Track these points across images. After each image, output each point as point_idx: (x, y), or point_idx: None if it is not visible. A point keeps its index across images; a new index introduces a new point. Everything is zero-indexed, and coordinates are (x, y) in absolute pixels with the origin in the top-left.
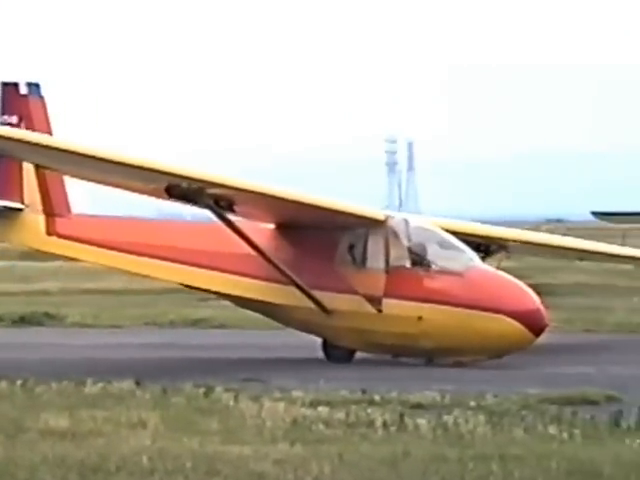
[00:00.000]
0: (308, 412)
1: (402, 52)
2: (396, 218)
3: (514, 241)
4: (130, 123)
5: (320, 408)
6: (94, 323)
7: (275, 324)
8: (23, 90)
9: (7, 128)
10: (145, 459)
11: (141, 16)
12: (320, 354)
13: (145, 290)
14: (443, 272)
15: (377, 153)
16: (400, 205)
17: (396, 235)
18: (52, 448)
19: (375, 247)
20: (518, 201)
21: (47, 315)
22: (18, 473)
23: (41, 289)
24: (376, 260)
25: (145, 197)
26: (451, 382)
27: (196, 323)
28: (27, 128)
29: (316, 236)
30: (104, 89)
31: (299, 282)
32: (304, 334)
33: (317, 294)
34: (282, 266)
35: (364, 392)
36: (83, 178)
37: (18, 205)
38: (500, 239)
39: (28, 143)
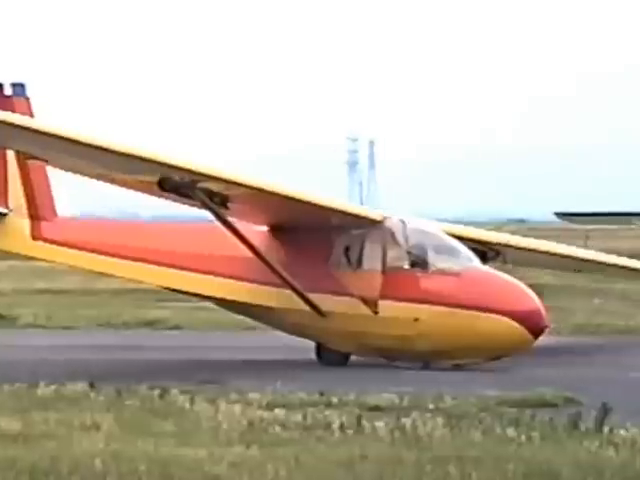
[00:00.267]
0: (265, 414)
1: (363, 50)
2: (393, 219)
3: (514, 248)
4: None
5: (277, 410)
6: (47, 324)
7: (230, 325)
8: (8, 91)
9: None
10: (98, 462)
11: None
12: (279, 356)
13: (99, 290)
14: (440, 273)
15: (338, 151)
16: (361, 204)
17: (393, 236)
18: (4, 451)
19: (371, 248)
20: (481, 200)
21: None
22: None
23: None
24: (372, 261)
25: (138, 194)
26: (409, 384)
27: (151, 324)
28: None
29: (310, 237)
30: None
31: (294, 284)
32: (263, 335)
33: (311, 296)
34: (276, 268)
35: (321, 394)
36: (71, 168)
37: (2, 210)
38: (498, 245)
39: (12, 125)
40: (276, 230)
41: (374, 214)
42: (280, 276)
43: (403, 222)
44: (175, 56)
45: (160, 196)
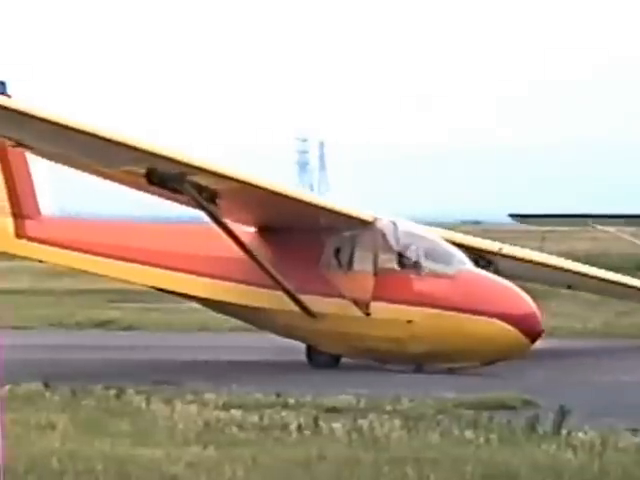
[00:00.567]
0: (221, 415)
1: (313, 51)
2: (384, 220)
3: (507, 257)
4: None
5: (233, 411)
6: None
7: (182, 326)
8: None
9: None
10: (55, 461)
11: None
12: (242, 357)
13: (50, 290)
14: (433, 275)
15: (288, 152)
16: None
17: (384, 237)
18: None
19: (363, 249)
20: (434, 201)
21: None
22: None
23: None
24: (364, 262)
25: (125, 188)
26: (366, 386)
27: (103, 325)
28: None
29: (299, 238)
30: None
31: (284, 284)
32: (216, 335)
33: (301, 298)
34: (266, 268)
35: (278, 395)
36: (55, 157)
37: None
38: (491, 253)
39: None
40: (264, 231)
41: (365, 215)
42: (270, 276)
43: (394, 224)
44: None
45: (148, 191)
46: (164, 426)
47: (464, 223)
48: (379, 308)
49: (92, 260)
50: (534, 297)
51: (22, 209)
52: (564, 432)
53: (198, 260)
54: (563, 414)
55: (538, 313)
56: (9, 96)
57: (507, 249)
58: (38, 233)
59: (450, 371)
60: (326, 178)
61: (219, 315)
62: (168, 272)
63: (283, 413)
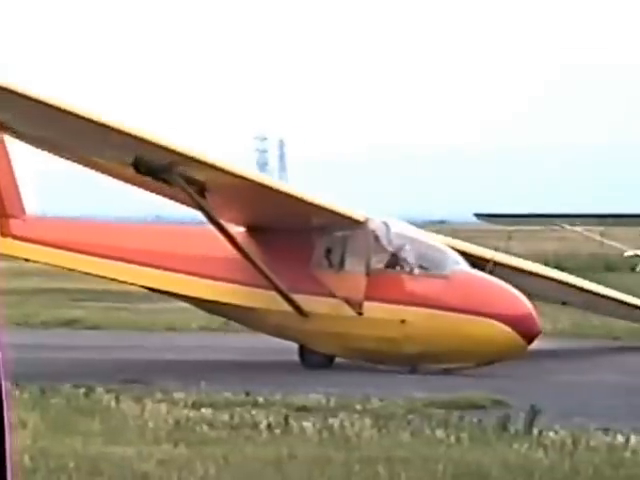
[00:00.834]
0: (191, 414)
1: (272, 49)
2: (376, 220)
3: (502, 266)
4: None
5: (203, 410)
6: None
7: (148, 325)
8: None
9: None
10: (27, 459)
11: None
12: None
13: (15, 290)
14: (427, 275)
15: (247, 152)
16: None
17: (377, 237)
18: None
19: (355, 249)
20: (398, 201)
21: None
22: None
23: None
24: (356, 262)
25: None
26: (336, 385)
27: (69, 324)
28: None
29: (290, 237)
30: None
31: (276, 283)
32: (180, 334)
33: (293, 297)
34: (259, 266)
35: (247, 394)
36: (41, 142)
37: None
38: (484, 260)
39: None
40: (254, 230)
41: (357, 215)
42: (262, 275)
43: (386, 224)
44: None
45: (137, 183)
46: (134, 425)
47: (429, 223)
48: (372, 308)
49: (78, 259)
50: None
51: (7, 209)
52: (535, 432)
53: (187, 259)
54: (534, 414)
55: (535, 314)
56: None
57: (502, 258)
58: (24, 232)
59: (446, 372)
60: (286, 178)
61: (185, 315)
62: (157, 271)
63: (253, 412)
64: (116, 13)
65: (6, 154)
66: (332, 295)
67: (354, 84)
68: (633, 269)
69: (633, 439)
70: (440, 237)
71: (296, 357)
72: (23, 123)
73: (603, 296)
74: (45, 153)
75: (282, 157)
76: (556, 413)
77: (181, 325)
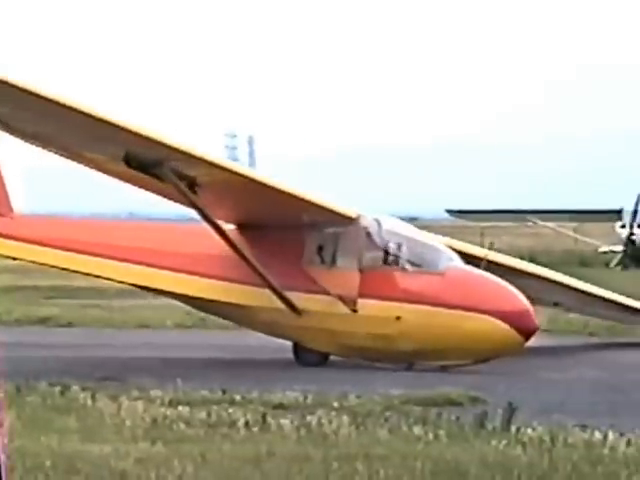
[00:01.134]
0: (168, 412)
1: (242, 45)
2: (368, 216)
3: (495, 265)
4: None
5: (180, 408)
6: None
7: (122, 323)
8: None
9: None
10: (3, 457)
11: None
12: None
13: None
14: (422, 272)
15: (217, 148)
16: None
17: (369, 234)
18: None
19: (347, 246)
20: (370, 198)
21: None
22: None
23: None
24: (348, 259)
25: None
26: (312, 382)
27: (43, 321)
28: None
29: (281, 234)
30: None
31: (269, 280)
32: (155, 331)
33: (286, 295)
34: (252, 264)
35: (224, 392)
36: (30, 134)
37: None
38: (477, 259)
39: None
40: (244, 228)
41: (349, 211)
42: (255, 272)
43: (378, 220)
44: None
45: (128, 179)
46: (111, 423)
47: (403, 220)
48: (367, 305)
49: (66, 257)
50: None
51: None
52: (513, 428)
53: (177, 257)
54: (512, 410)
55: (532, 310)
56: None
57: (496, 257)
58: (11, 230)
59: (443, 369)
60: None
61: (160, 312)
62: (146, 269)
63: (230, 410)
64: (82, 8)
65: None
66: (325, 292)
67: (325, 82)
68: (607, 265)
69: (611, 436)
70: (432, 235)
71: (275, 354)
72: (14, 116)
73: (598, 297)
74: (33, 149)
75: (252, 154)
76: (534, 410)
77: (156, 322)
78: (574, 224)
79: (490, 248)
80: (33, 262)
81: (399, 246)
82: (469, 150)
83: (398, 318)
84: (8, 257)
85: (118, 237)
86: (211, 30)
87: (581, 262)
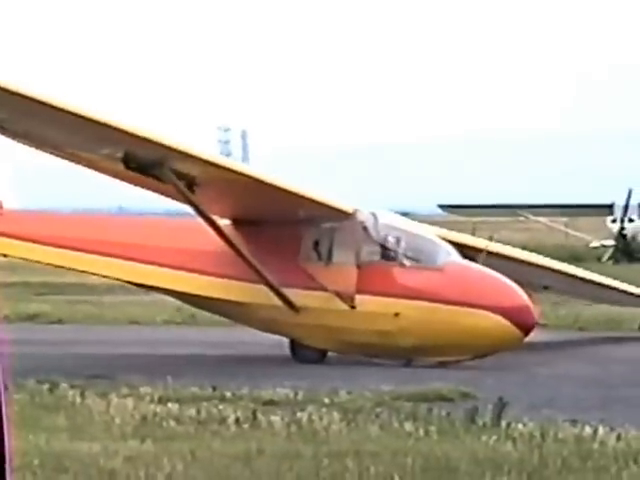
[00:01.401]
0: (158, 409)
1: (235, 40)
2: (365, 211)
3: (491, 254)
4: None
5: (170, 405)
6: None
7: (113, 319)
8: None
9: None
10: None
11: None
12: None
13: None
14: (420, 267)
15: (210, 142)
16: None
17: (366, 229)
18: None
19: (344, 241)
20: (362, 193)
21: None
22: None
23: None
24: (345, 255)
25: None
26: (303, 379)
27: (32, 318)
28: None
29: (277, 230)
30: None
31: (267, 277)
32: (145, 328)
33: (283, 291)
34: (249, 260)
35: (214, 389)
36: (29, 138)
37: None
38: (473, 249)
39: None
40: (240, 224)
41: (345, 206)
42: (252, 269)
43: (375, 215)
44: None
45: (127, 179)
46: (100, 420)
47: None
48: (365, 301)
49: (58, 253)
50: None
51: None
52: (503, 424)
53: (173, 253)
54: (502, 406)
55: (530, 305)
56: None
57: (492, 246)
58: (1, 227)
59: (441, 365)
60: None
61: (150, 308)
62: (141, 265)
63: (220, 406)
64: (75, 2)
65: None
66: (323, 288)
67: (321, 76)
68: (599, 259)
69: (601, 430)
70: (429, 227)
71: (268, 350)
72: (10, 120)
73: (585, 280)
74: (23, 146)
75: (245, 148)
76: (524, 405)
77: (146, 319)
78: (565, 219)
79: (490, 240)
80: (24, 259)
81: (397, 241)
82: (467, 146)
83: (397, 314)
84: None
85: (115, 233)
86: (206, 23)
87: (573, 257)
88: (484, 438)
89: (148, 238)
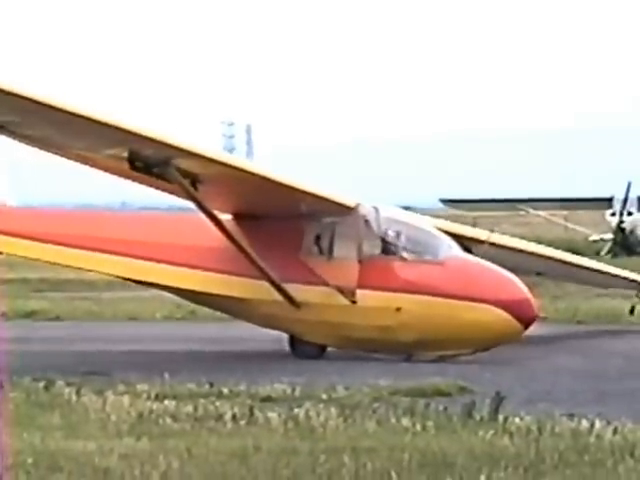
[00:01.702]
0: (154, 406)
1: (241, 32)
2: (367, 205)
3: (488, 244)
4: None
5: (166, 402)
6: None
7: (111, 316)
8: None
9: None
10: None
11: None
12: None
13: None
14: (421, 261)
15: (214, 137)
16: None
17: (368, 223)
18: None
19: (346, 235)
20: (364, 187)
21: None
22: None
23: None
24: (347, 249)
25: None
26: (300, 374)
27: (30, 315)
28: None
29: (279, 225)
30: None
31: (267, 273)
32: (143, 324)
33: (284, 286)
34: (251, 256)
35: (211, 385)
36: (34, 139)
37: None
38: (471, 240)
39: None
40: (241, 218)
41: (347, 200)
42: (254, 265)
43: (377, 209)
44: None
45: (132, 177)
46: (96, 418)
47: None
48: (366, 296)
49: (55, 250)
50: None
51: None
52: (501, 418)
53: (172, 249)
54: (499, 400)
55: (531, 298)
56: None
57: (491, 236)
58: None
59: (440, 359)
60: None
61: (149, 304)
62: (140, 262)
63: (217, 403)
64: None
65: None
66: (324, 283)
67: (325, 72)
68: (598, 253)
69: (598, 424)
70: (430, 219)
71: (267, 346)
72: (13, 121)
73: (580, 266)
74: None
75: (249, 143)
76: (521, 399)
77: (145, 315)
78: (565, 212)
79: (492, 232)
80: (22, 257)
81: (398, 235)
82: (467, 142)
83: (398, 309)
84: None
85: (113, 229)
86: (210, 18)
87: (572, 250)
88: (481, 433)
89: (147, 234)
